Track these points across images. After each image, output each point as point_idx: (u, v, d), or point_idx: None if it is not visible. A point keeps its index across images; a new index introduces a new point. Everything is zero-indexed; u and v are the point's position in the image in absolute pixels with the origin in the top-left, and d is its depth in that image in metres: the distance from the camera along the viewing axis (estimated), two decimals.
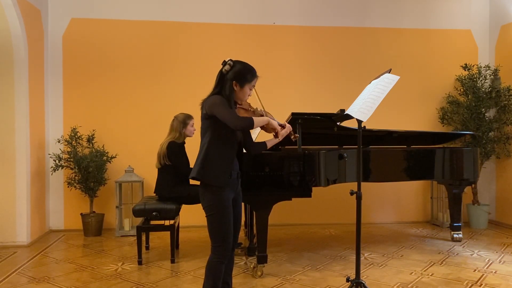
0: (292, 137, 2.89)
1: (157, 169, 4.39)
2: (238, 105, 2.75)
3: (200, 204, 4.53)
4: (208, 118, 2.58)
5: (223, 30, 5.66)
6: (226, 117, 2.51)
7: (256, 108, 2.88)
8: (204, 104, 2.62)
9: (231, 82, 2.61)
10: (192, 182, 4.44)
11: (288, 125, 2.83)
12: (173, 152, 4.23)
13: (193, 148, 4.71)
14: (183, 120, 4.36)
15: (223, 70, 2.63)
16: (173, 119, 4.39)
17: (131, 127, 5.55)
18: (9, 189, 4.73)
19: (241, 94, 2.66)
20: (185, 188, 4.31)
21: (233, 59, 2.65)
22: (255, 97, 2.93)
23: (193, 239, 5.04)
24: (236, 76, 2.61)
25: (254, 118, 2.60)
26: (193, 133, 4.43)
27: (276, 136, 2.80)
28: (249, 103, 2.86)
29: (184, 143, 4.43)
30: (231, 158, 2.66)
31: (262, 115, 2.83)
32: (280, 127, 2.77)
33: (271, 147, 2.95)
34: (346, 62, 5.87)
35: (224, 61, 2.65)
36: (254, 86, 2.71)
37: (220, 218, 2.57)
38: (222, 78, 2.64)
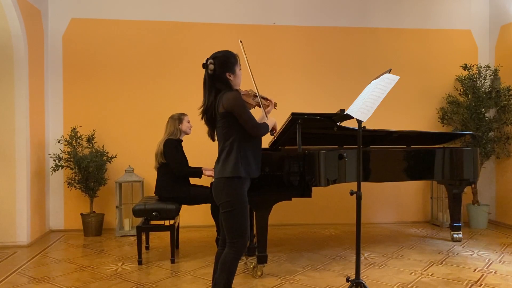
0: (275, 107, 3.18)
1: (156, 170, 4.40)
2: (242, 94, 2.79)
3: (200, 205, 4.57)
4: (229, 116, 2.59)
5: (223, 30, 5.66)
6: (248, 125, 2.59)
7: (251, 90, 2.98)
8: (220, 102, 2.61)
9: (224, 75, 2.64)
10: (192, 182, 4.46)
11: (271, 100, 3.09)
12: (169, 148, 4.25)
13: (192, 147, 4.74)
14: (178, 117, 4.39)
15: (209, 71, 2.64)
16: (168, 119, 4.43)
17: (131, 127, 5.55)
18: (9, 189, 4.73)
19: (237, 79, 2.72)
20: (185, 188, 4.32)
21: (208, 57, 2.67)
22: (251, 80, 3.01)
23: (193, 239, 5.04)
24: (225, 67, 2.65)
25: (268, 122, 2.79)
26: (190, 130, 4.45)
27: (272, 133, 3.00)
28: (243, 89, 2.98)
29: (181, 140, 4.43)
30: (260, 149, 2.78)
31: (255, 95, 2.98)
32: (268, 102, 3.08)
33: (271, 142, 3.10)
34: (346, 62, 5.87)
35: (204, 63, 2.65)
36: (240, 65, 2.76)
37: (241, 214, 2.59)
38: (212, 79, 2.65)
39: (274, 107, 3.13)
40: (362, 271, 3.74)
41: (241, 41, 3.03)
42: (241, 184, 2.60)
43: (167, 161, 4.25)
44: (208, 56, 2.69)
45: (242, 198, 2.60)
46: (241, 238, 2.59)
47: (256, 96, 2.96)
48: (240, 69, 2.73)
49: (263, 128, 2.71)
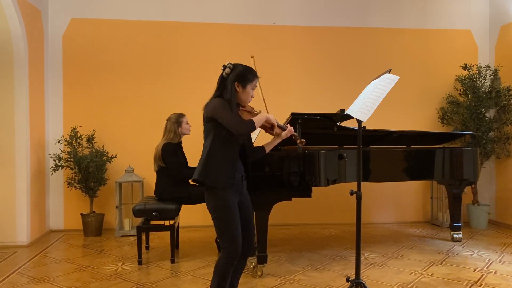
0: (298, 141, 2.91)
1: (155, 172, 4.40)
2: (241, 108, 2.73)
3: (200, 204, 4.57)
4: (209, 121, 2.59)
5: (223, 30, 5.66)
6: (228, 122, 2.52)
7: (260, 111, 2.84)
8: (206, 107, 2.62)
9: (232, 84, 2.61)
10: (192, 182, 4.45)
11: (290, 128, 2.84)
12: (167, 153, 4.24)
13: (190, 147, 4.74)
14: (176, 119, 4.37)
15: (224, 74, 2.63)
16: (166, 122, 4.41)
17: (131, 127, 5.55)
18: (9, 189, 4.73)
19: (244, 95, 2.65)
20: (185, 189, 4.32)
21: (233, 63, 2.66)
22: (261, 99, 2.94)
23: (193, 239, 5.04)
24: (238, 77, 2.62)
25: (254, 119, 2.61)
26: (190, 130, 4.45)
27: (274, 134, 2.82)
28: (251, 106, 2.81)
29: (181, 142, 4.43)
30: (234, 159, 2.66)
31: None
32: (280, 129, 2.81)
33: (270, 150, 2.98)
34: (346, 62, 5.87)
35: (224, 65, 2.65)
36: (256, 87, 2.71)
37: (225, 220, 2.56)
38: (223, 81, 2.64)
39: (297, 142, 2.91)
40: (362, 271, 3.74)
41: (252, 57, 2.98)
42: (222, 191, 2.57)
43: (165, 165, 4.26)
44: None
45: (224, 204, 2.56)
46: (230, 244, 2.55)
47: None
48: (252, 89, 2.68)
49: (247, 125, 2.58)
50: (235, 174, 2.63)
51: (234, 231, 2.56)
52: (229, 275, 2.62)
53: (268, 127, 2.80)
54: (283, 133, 2.83)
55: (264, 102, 2.99)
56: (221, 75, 2.65)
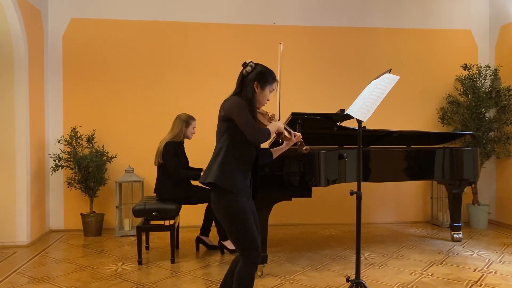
0: (304, 148, 2.77)
1: (156, 168, 4.41)
2: (257, 111, 2.64)
3: (200, 204, 4.57)
4: (226, 121, 2.48)
5: (223, 30, 5.66)
6: (245, 127, 2.43)
7: (273, 114, 2.79)
8: (223, 105, 2.52)
9: (252, 83, 2.54)
10: (193, 182, 4.46)
11: (298, 134, 2.76)
12: (168, 151, 4.25)
13: (196, 147, 4.74)
14: (186, 119, 4.38)
15: (244, 71, 2.57)
16: (176, 118, 4.41)
17: (131, 127, 5.55)
18: (9, 189, 4.73)
19: (261, 96, 2.58)
20: (185, 189, 4.32)
21: (254, 62, 2.60)
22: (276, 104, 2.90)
23: (193, 239, 5.02)
24: (258, 77, 2.55)
25: (269, 128, 2.54)
26: (192, 136, 4.45)
27: (281, 142, 2.76)
28: (265, 110, 2.76)
29: (183, 142, 4.44)
30: (250, 164, 2.56)
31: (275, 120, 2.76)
32: (288, 135, 2.72)
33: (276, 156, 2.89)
34: (346, 62, 5.87)
35: (245, 62, 2.59)
36: (274, 90, 2.65)
37: (244, 225, 2.43)
38: (243, 79, 2.57)
39: (302, 149, 2.76)
40: (362, 271, 3.74)
41: (281, 43, 2.92)
42: (235, 197, 2.44)
43: (165, 163, 4.26)
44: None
45: (241, 210, 2.43)
46: (252, 249, 2.44)
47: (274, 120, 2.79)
48: (270, 92, 2.62)
49: (263, 134, 2.49)
50: (247, 180, 2.55)
51: (253, 235, 2.45)
52: (254, 280, 2.51)
53: (276, 134, 2.72)
54: (293, 139, 2.72)
55: (279, 106, 2.93)
56: (241, 73, 2.58)
